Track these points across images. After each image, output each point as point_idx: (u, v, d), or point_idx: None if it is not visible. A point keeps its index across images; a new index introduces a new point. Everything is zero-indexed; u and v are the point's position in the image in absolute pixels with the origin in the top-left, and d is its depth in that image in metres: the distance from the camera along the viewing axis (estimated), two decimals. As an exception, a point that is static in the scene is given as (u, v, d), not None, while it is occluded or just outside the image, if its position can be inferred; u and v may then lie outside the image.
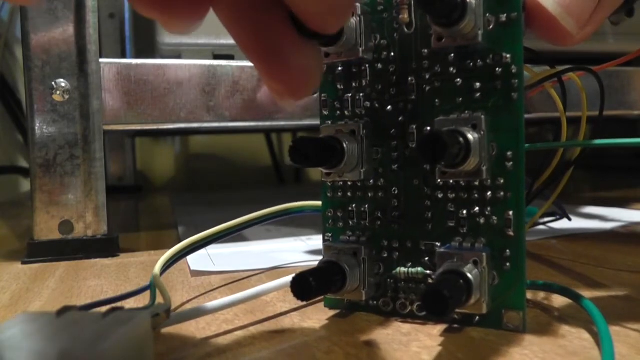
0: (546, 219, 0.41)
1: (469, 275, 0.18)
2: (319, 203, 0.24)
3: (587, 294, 0.20)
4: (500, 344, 0.19)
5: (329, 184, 0.23)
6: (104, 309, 0.17)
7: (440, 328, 0.20)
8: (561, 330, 0.20)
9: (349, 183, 0.23)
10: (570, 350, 0.18)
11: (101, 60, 0.36)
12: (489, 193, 0.20)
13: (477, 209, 0.20)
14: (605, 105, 0.26)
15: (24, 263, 0.34)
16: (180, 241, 0.25)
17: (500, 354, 0.18)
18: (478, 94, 0.20)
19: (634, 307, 0.22)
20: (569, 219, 0.41)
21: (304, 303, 0.20)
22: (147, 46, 0.44)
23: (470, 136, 0.19)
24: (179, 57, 0.41)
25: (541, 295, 0.23)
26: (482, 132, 0.19)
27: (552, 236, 0.37)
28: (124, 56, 0.60)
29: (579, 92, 0.25)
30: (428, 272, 0.21)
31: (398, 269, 0.21)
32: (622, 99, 0.47)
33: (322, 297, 0.23)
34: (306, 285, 0.19)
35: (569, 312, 0.21)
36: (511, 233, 0.19)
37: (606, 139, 0.21)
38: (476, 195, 0.20)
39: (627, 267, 0.28)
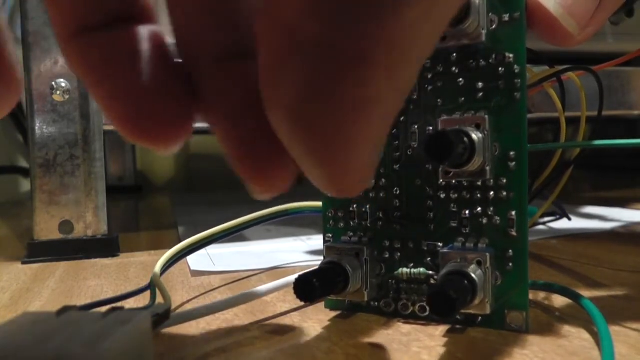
0: (546, 219, 0.41)
1: (473, 275, 0.18)
2: (319, 203, 0.24)
3: (587, 293, 0.20)
4: (500, 344, 0.19)
5: (330, 184, 0.23)
6: (104, 308, 0.17)
7: (441, 329, 0.20)
8: (561, 330, 0.20)
9: (350, 183, 0.22)
10: (570, 350, 0.18)
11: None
12: (492, 193, 0.20)
13: (479, 209, 0.20)
14: (604, 105, 0.26)
15: (24, 263, 0.34)
16: (180, 241, 0.25)
17: (500, 354, 0.18)
18: (480, 94, 0.20)
19: (634, 307, 0.22)
20: (569, 219, 0.41)
21: (304, 303, 0.20)
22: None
23: (474, 136, 0.19)
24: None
25: (541, 295, 0.23)
26: (486, 132, 0.19)
27: (552, 236, 0.37)
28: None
29: (579, 92, 0.25)
30: (430, 272, 0.21)
31: (400, 270, 0.21)
32: (622, 99, 0.47)
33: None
34: (309, 287, 0.19)
35: (569, 312, 0.21)
36: (514, 233, 0.19)
37: (606, 139, 0.21)
38: (479, 195, 0.20)
39: (627, 267, 0.28)
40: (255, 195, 0.17)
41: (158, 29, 0.17)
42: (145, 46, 0.17)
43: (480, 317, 0.20)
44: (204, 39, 0.16)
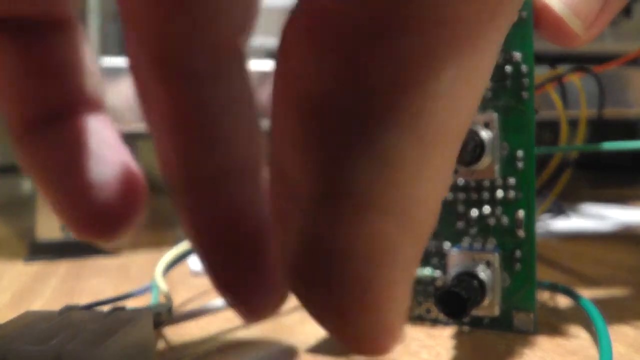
0: (543, 216, 0.41)
1: (482, 275, 0.18)
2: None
3: (585, 293, 0.21)
4: (498, 342, 0.19)
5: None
6: (105, 308, 0.17)
7: (441, 328, 0.21)
8: (560, 329, 0.20)
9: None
10: (568, 349, 0.18)
11: (101, 60, 0.36)
12: (500, 193, 0.20)
13: (487, 209, 0.20)
14: (603, 106, 0.26)
15: (25, 262, 0.35)
16: (181, 241, 0.25)
17: (498, 352, 0.18)
18: (489, 93, 0.20)
19: (633, 307, 0.22)
20: (567, 217, 0.41)
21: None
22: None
23: (483, 134, 0.19)
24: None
25: (541, 295, 0.23)
26: (495, 131, 0.19)
27: (552, 236, 0.37)
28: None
29: (577, 92, 0.25)
30: (436, 273, 0.21)
31: (404, 270, 0.21)
32: (621, 99, 0.47)
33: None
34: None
35: (568, 311, 0.21)
36: (522, 233, 0.19)
37: (605, 139, 0.21)
38: (486, 195, 0.20)
39: (626, 266, 0.28)
40: (242, 319, 0.16)
41: (105, 118, 0.17)
42: (95, 137, 0.16)
43: (487, 319, 0.20)
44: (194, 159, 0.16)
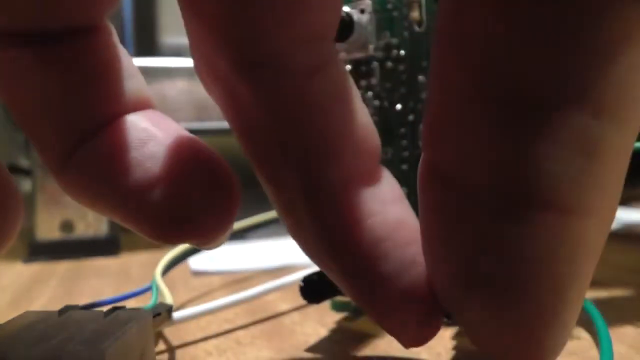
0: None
1: None
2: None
3: (587, 293, 0.21)
4: (499, 343, 0.19)
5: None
6: (105, 308, 0.17)
7: (443, 328, 0.20)
8: (561, 330, 0.20)
9: (351, 183, 0.22)
10: (569, 350, 0.18)
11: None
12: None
13: None
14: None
15: (25, 262, 0.35)
16: (181, 241, 0.25)
17: (499, 353, 0.18)
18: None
19: (634, 307, 0.22)
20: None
21: (305, 303, 0.20)
22: (147, 46, 0.44)
23: None
24: (179, 56, 0.41)
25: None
26: None
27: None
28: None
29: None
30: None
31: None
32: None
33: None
34: (317, 288, 0.19)
35: (569, 311, 0.21)
36: None
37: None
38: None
39: (627, 267, 0.28)
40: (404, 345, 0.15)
41: (155, 111, 0.15)
42: (147, 131, 0.14)
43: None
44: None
